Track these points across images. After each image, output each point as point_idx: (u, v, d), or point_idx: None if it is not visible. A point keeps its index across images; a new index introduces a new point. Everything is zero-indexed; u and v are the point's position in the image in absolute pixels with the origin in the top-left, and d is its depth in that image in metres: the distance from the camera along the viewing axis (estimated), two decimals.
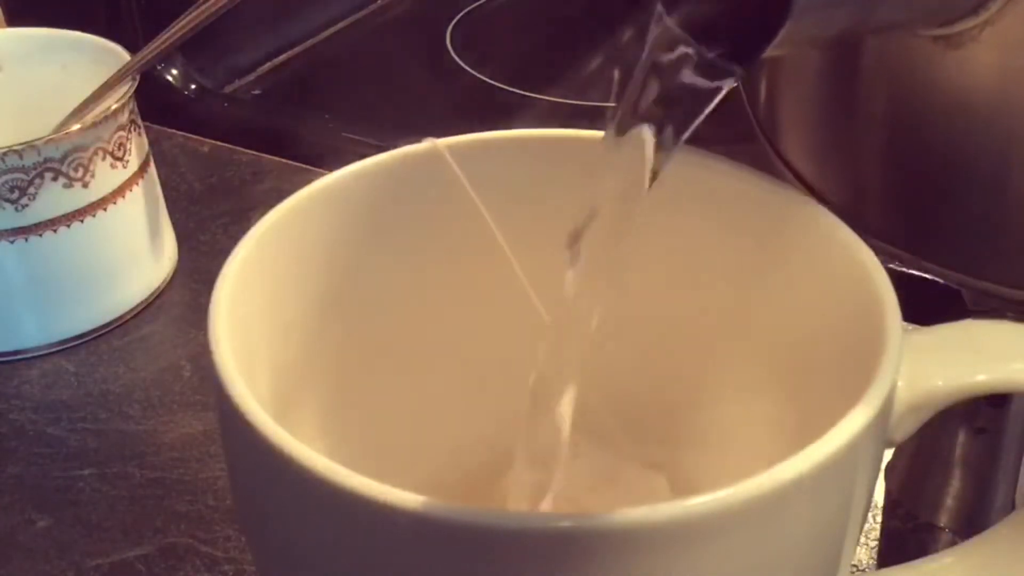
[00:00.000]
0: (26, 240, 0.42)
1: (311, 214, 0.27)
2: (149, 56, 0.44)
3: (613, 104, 0.23)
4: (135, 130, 0.45)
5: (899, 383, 0.22)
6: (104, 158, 0.43)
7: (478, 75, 0.67)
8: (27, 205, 0.41)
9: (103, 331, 0.45)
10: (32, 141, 0.41)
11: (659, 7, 0.21)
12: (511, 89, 0.66)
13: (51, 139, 0.41)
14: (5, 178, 0.41)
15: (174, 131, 0.57)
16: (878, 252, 0.27)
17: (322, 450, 0.20)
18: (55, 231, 0.42)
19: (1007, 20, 0.22)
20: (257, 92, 0.68)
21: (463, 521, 0.19)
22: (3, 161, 0.40)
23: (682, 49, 0.21)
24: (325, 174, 0.28)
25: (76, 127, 0.42)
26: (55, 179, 0.42)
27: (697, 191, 0.27)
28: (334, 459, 0.20)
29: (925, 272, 0.27)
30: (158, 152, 0.53)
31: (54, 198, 0.42)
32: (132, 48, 0.46)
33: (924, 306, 0.30)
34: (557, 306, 0.25)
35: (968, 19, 0.22)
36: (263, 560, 0.25)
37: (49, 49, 0.48)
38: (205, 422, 0.40)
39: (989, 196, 0.25)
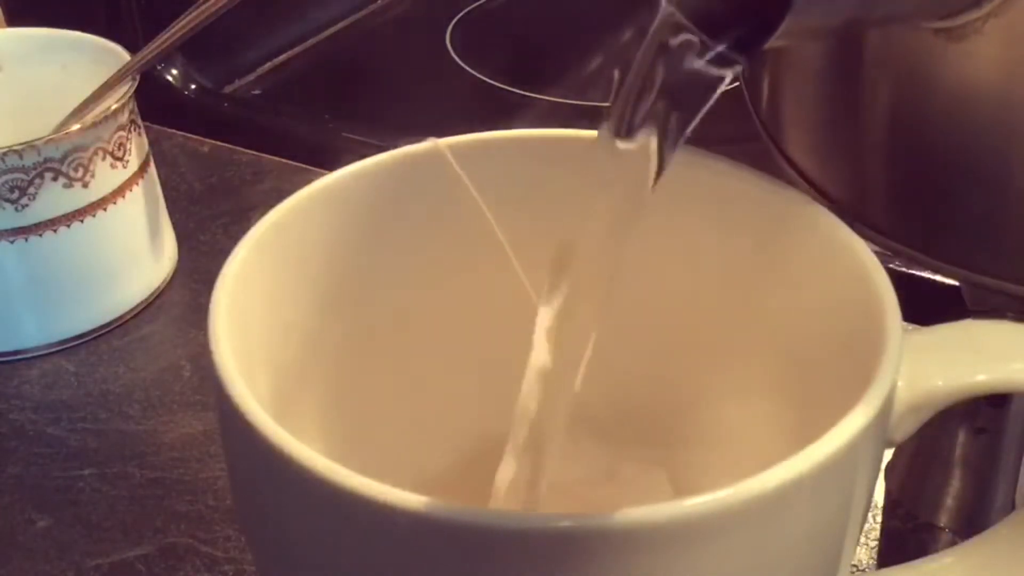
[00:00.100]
0: (26, 240, 0.42)
1: (311, 214, 0.27)
2: (149, 56, 0.44)
3: (608, 104, 0.22)
4: (135, 130, 0.45)
5: (899, 383, 0.22)
6: (104, 158, 0.43)
7: (478, 75, 0.67)
8: (27, 205, 0.41)
9: (103, 331, 0.45)
10: (32, 141, 0.41)
11: None
12: (511, 89, 0.66)
13: (51, 139, 0.41)
14: (5, 178, 0.41)
15: (174, 131, 0.57)
16: (881, 249, 0.27)
17: (322, 450, 0.20)
18: (55, 231, 0.42)
19: (1010, 12, 0.22)
20: (257, 92, 0.68)
21: (463, 521, 0.19)
22: (3, 161, 0.40)
23: (685, 38, 0.21)
24: (325, 174, 0.27)
25: (76, 127, 0.42)
26: (55, 179, 0.42)
27: (697, 191, 0.27)
28: (334, 459, 0.20)
29: (928, 268, 0.27)
30: (158, 152, 0.53)
31: (54, 198, 0.42)
32: (132, 48, 0.46)
33: (924, 306, 0.30)
34: (552, 315, 0.25)
35: (971, 11, 0.22)
36: (263, 560, 0.25)
37: (49, 49, 0.48)
38: (205, 422, 0.40)
39: (993, 190, 0.25)
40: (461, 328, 0.30)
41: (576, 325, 0.25)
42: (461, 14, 0.75)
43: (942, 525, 0.34)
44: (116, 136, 0.43)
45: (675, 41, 0.21)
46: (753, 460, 0.21)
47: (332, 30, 0.73)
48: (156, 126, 0.55)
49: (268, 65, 0.70)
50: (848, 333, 0.24)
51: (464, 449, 0.31)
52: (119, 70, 0.44)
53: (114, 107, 0.43)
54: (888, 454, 0.34)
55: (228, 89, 0.67)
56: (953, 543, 0.31)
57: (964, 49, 0.23)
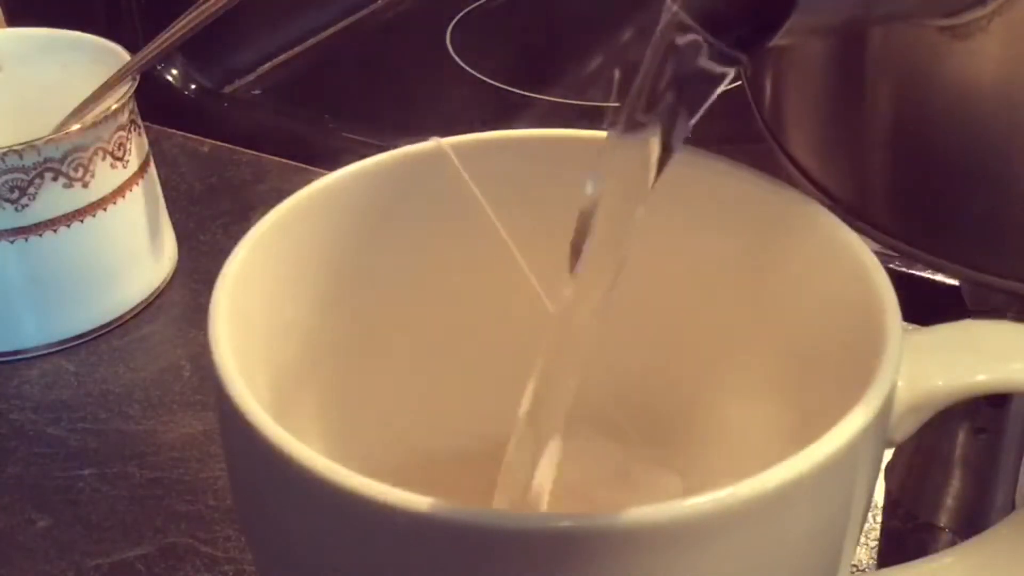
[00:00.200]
0: (26, 240, 0.42)
1: (311, 214, 0.27)
2: (149, 56, 0.44)
3: (616, 103, 0.23)
4: (135, 130, 0.45)
5: (899, 383, 0.22)
6: (104, 158, 0.43)
7: (478, 75, 0.67)
8: (27, 205, 0.41)
9: (103, 331, 0.45)
10: (32, 141, 0.41)
11: None
12: (511, 89, 0.66)
13: (51, 139, 0.41)
14: (5, 178, 0.41)
15: (174, 131, 0.57)
16: (882, 248, 0.27)
17: (322, 450, 0.20)
18: (55, 231, 0.42)
19: (1014, 10, 0.22)
20: (257, 92, 0.68)
21: (463, 521, 0.19)
22: (3, 161, 0.40)
23: (690, 37, 0.21)
24: (325, 174, 0.27)
25: (76, 127, 0.42)
26: (55, 179, 0.42)
27: (697, 191, 0.27)
28: (334, 459, 0.20)
29: (930, 267, 0.27)
30: (158, 152, 0.52)
31: (54, 198, 0.42)
32: (132, 48, 0.46)
33: (924, 306, 0.30)
34: (560, 309, 0.25)
35: (975, 9, 0.22)
36: (263, 560, 0.25)
37: (49, 49, 0.48)
38: (205, 422, 0.40)
39: (996, 189, 0.25)
40: (462, 328, 0.30)
41: (581, 322, 0.25)
42: (461, 14, 0.75)
43: (942, 525, 0.34)
44: (116, 136, 0.43)
45: (680, 40, 0.21)
46: (753, 460, 0.21)
47: (332, 30, 0.73)
48: (156, 126, 0.55)
49: (268, 65, 0.70)
50: (848, 333, 0.24)
51: (465, 449, 0.31)
52: (119, 70, 0.44)
53: (114, 107, 0.43)
54: (888, 454, 0.34)
55: (228, 89, 0.67)
56: (953, 543, 0.31)
57: (968, 47, 0.23)
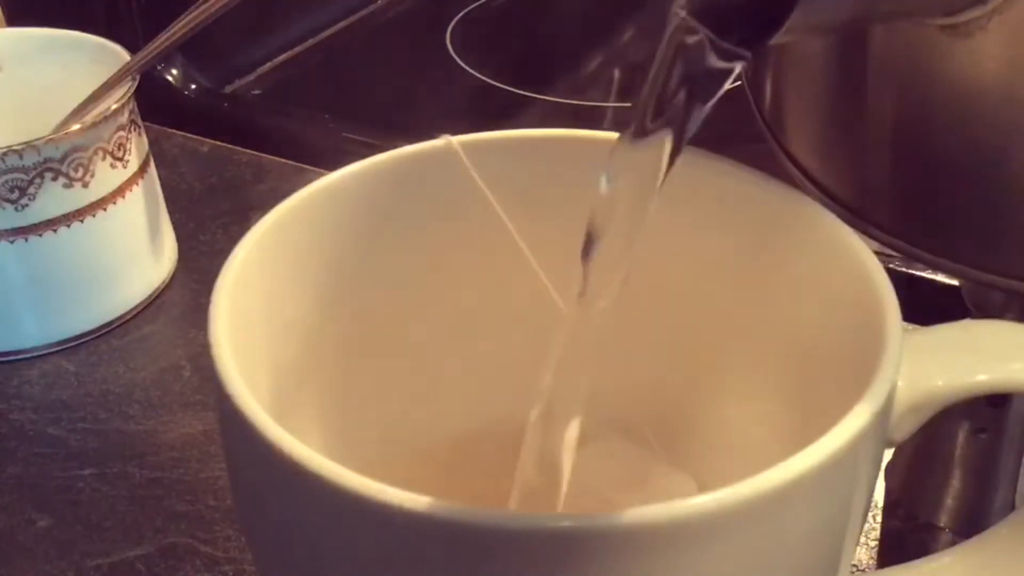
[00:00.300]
0: (26, 240, 0.42)
1: (311, 214, 0.27)
2: (149, 56, 0.44)
3: (616, 103, 0.23)
4: (135, 130, 0.45)
5: (899, 383, 0.22)
6: (104, 158, 0.43)
7: (478, 75, 0.67)
8: (27, 205, 0.41)
9: (103, 331, 0.45)
10: (32, 141, 0.41)
11: None
12: (511, 89, 0.66)
13: (51, 139, 0.41)
14: (5, 178, 0.41)
15: (174, 131, 0.57)
16: (882, 247, 0.27)
17: (322, 450, 0.20)
18: (55, 231, 0.42)
19: (1014, 9, 0.22)
20: (257, 92, 0.68)
21: (463, 521, 0.19)
22: (3, 161, 0.40)
23: (694, 37, 0.21)
24: (325, 174, 0.27)
25: (76, 127, 0.42)
26: (55, 179, 0.42)
27: (698, 191, 0.27)
28: (334, 459, 0.20)
29: (931, 267, 0.27)
30: (158, 152, 0.53)
31: (54, 198, 0.42)
32: (132, 48, 0.46)
33: (924, 306, 0.30)
34: (572, 306, 0.25)
35: (975, 7, 0.22)
36: (263, 560, 0.25)
37: (49, 49, 0.48)
38: (205, 422, 0.40)
39: (996, 187, 0.25)
40: (462, 327, 0.30)
41: (593, 320, 0.25)
42: (461, 14, 0.75)
43: (942, 525, 0.34)
44: (116, 136, 0.43)
45: (687, 41, 0.21)
46: (753, 460, 0.21)
47: (332, 30, 0.73)
48: (156, 126, 0.55)
49: (268, 65, 0.70)
50: (848, 333, 0.24)
51: (466, 450, 0.31)
52: (119, 70, 0.44)
53: (114, 107, 0.43)
54: (888, 454, 0.34)
55: (228, 89, 0.67)
56: (953, 543, 0.31)
57: (968, 46, 0.23)
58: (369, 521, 0.20)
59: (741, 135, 0.30)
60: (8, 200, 0.41)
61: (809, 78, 0.28)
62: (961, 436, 0.33)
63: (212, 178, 0.54)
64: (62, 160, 0.41)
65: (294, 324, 0.27)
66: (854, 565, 0.34)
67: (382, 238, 0.29)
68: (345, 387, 0.29)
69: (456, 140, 0.28)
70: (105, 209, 0.43)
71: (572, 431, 0.26)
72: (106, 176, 0.43)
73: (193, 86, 0.65)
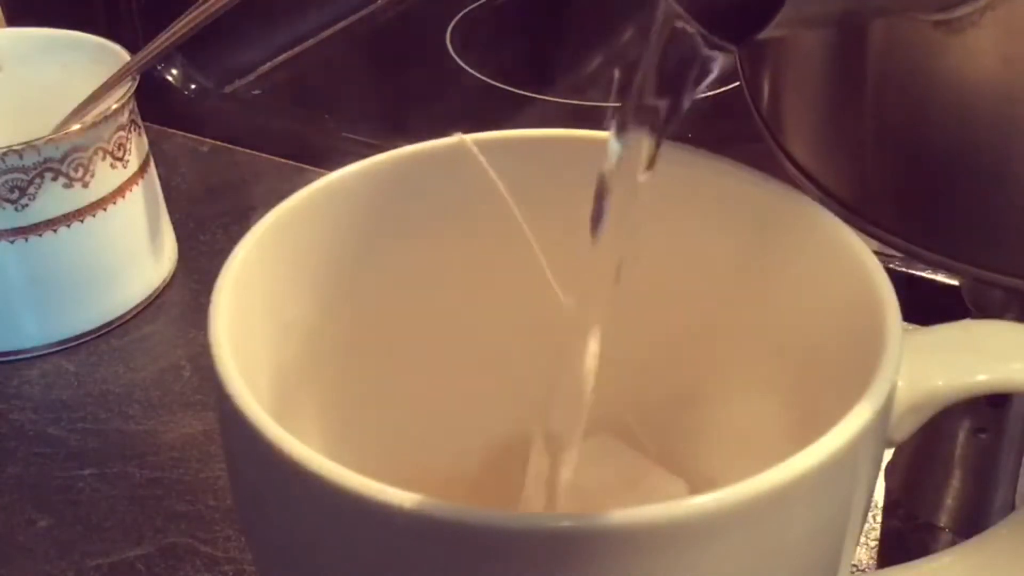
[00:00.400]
0: (26, 240, 0.42)
1: (311, 214, 0.27)
2: (149, 56, 0.44)
3: (616, 104, 0.23)
4: (135, 130, 0.45)
5: (899, 383, 0.22)
6: (104, 158, 0.43)
7: (478, 75, 0.67)
8: (27, 205, 0.41)
9: (103, 331, 0.45)
10: (32, 141, 0.41)
11: None
12: (511, 89, 0.66)
13: (51, 139, 0.41)
14: (5, 178, 0.41)
15: (174, 131, 0.57)
16: (881, 246, 0.27)
17: (322, 450, 0.20)
18: (55, 231, 0.42)
19: (1006, 5, 0.22)
20: (257, 92, 0.68)
21: (463, 521, 0.19)
22: (3, 161, 0.40)
23: (683, 29, 0.21)
24: (325, 174, 0.27)
25: (76, 127, 0.42)
26: (55, 179, 0.42)
27: (697, 191, 0.27)
28: (334, 459, 0.20)
29: (930, 264, 0.27)
30: (158, 152, 0.52)
31: (54, 198, 0.42)
32: (132, 48, 0.46)
33: (924, 306, 0.30)
34: (574, 303, 0.25)
35: (968, 3, 0.22)
36: (263, 560, 0.25)
37: (49, 49, 0.48)
38: (205, 422, 0.40)
39: (993, 184, 0.25)
40: (462, 327, 0.30)
41: (594, 315, 0.25)
42: (461, 14, 0.75)
43: (942, 525, 0.34)
44: (116, 136, 0.43)
45: (675, 30, 0.21)
46: (753, 460, 0.21)
47: (332, 30, 0.73)
48: (156, 126, 0.55)
49: (268, 65, 0.70)
50: (848, 333, 0.24)
51: (466, 450, 0.31)
52: (119, 70, 0.44)
53: (114, 107, 0.43)
54: (888, 454, 0.34)
55: (228, 89, 0.67)
56: (953, 543, 0.31)
57: (961, 42, 0.23)
58: (369, 521, 0.20)
59: (740, 135, 0.30)
60: (8, 200, 0.41)
61: (806, 77, 0.28)
62: (961, 436, 0.33)
63: (212, 178, 0.54)
64: (62, 160, 0.41)
65: (294, 324, 0.27)
66: (854, 565, 0.34)
67: (382, 238, 0.29)
68: (345, 387, 0.29)
69: (470, 138, 0.28)
70: (105, 209, 0.43)
71: (576, 434, 0.26)
72: (106, 176, 0.43)
73: (193, 86, 0.65)
